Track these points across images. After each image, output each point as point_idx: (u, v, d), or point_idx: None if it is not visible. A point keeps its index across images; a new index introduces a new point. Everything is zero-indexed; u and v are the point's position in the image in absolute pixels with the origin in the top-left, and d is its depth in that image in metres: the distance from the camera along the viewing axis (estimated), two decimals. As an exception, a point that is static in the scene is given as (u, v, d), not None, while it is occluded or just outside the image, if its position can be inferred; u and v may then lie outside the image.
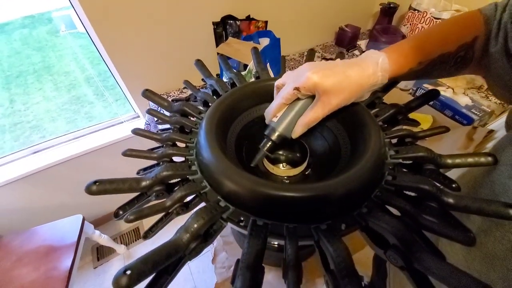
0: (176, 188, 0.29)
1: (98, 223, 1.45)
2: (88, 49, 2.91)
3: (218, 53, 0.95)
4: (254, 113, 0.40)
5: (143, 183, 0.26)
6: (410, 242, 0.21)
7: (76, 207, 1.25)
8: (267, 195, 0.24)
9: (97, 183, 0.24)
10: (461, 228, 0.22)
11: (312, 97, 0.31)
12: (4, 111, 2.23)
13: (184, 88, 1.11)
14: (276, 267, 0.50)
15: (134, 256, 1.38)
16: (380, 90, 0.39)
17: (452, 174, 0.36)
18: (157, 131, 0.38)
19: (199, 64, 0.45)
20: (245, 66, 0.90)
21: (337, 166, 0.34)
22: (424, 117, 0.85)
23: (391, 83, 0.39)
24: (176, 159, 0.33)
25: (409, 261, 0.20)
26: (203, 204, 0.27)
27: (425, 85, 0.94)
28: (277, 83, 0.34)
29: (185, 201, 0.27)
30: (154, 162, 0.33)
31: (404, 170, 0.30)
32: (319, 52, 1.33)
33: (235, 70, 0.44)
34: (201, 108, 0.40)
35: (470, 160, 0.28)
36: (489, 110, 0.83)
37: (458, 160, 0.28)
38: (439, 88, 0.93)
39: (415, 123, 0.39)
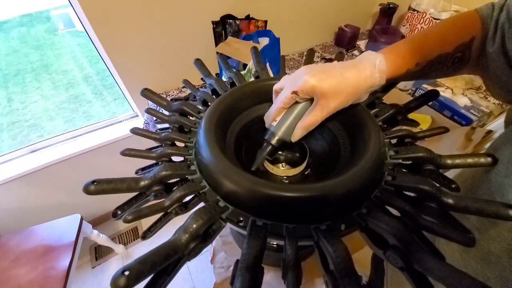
0: (175, 188, 0.28)
1: (96, 222, 1.44)
2: (87, 47, 2.91)
3: (217, 53, 0.95)
4: (254, 112, 0.40)
5: (142, 183, 0.26)
6: (410, 243, 0.21)
7: (74, 207, 1.24)
8: (266, 195, 0.24)
9: (95, 183, 0.24)
10: (461, 229, 0.22)
11: (311, 100, 0.31)
12: (1, 110, 2.22)
13: (183, 87, 1.11)
14: (275, 267, 0.50)
15: (133, 256, 1.38)
16: (379, 90, 0.39)
17: (450, 172, 0.36)
18: (156, 131, 0.38)
19: (199, 63, 0.45)
20: (245, 65, 0.89)
21: (337, 166, 0.34)
22: (423, 118, 0.85)
23: (391, 84, 0.39)
24: (175, 158, 0.33)
25: (409, 261, 0.20)
26: (202, 204, 0.27)
27: (424, 85, 0.94)
28: (275, 87, 0.34)
29: (184, 201, 0.27)
30: (153, 161, 0.33)
31: (404, 170, 0.30)
32: (318, 52, 1.33)
33: (234, 70, 0.44)
34: (200, 107, 0.40)
35: (469, 160, 0.28)
36: (488, 111, 0.84)
37: (457, 161, 0.28)
38: (438, 89, 0.93)
39: (415, 123, 0.39)
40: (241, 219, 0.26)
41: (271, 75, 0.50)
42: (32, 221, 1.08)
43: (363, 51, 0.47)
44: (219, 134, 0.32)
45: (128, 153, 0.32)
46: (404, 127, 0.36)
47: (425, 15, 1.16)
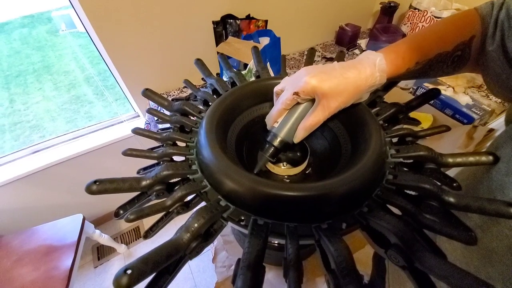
0: (176, 188, 0.29)
1: (99, 222, 1.45)
2: (88, 48, 2.92)
3: (218, 52, 0.95)
4: (255, 112, 0.40)
5: (144, 183, 0.26)
6: (411, 241, 0.21)
7: (76, 207, 1.25)
8: (267, 195, 0.24)
9: (97, 183, 0.24)
10: (462, 227, 0.22)
11: (312, 101, 0.31)
12: (4, 111, 2.23)
13: (184, 87, 1.11)
14: (276, 266, 0.50)
15: (135, 255, 1.38)
16: (381, 89, 0.39)
17: (451, 170, 0.36)
18: (157, 131, 0.38)
19: (199, 63, 0.45)
20: (245, 65, 0.89)
21: (338, 165, 0.34)
22: (425, 116, 0.85)
23: (391, 83, 0.39)
24: (176, 158, 0.33)
25: (410, 260, 0.20)
26: (203, 204, 0.27)
27: (425, 84, 0.94)
28: (275, 89, 0.34)
29: (185, 200, 0.27)
30: (154, 161, 0.33)
31: (405, 169, 0.30)
32: (319, 51, 1.33)
33: (235, 69, 0.44)
34: (201, 107, 0.40)
35: (471, 159, 0.28)
36: (490, 109, 0.83)
37: (459, 159, 0.28)
38: (439, 87, 0.93)
39: (416, 122, 0.39)
40: (242, 218, 0.26)
41: (272, 74, 0.50)
42: (34, 221, 1.09)
43: (364, 50, 0.47)
44: (220, 133, 0.33)
45: (130, 153, 0.32)
46: (405, 126, 0.36)
47: (426, 14, 1.16)
